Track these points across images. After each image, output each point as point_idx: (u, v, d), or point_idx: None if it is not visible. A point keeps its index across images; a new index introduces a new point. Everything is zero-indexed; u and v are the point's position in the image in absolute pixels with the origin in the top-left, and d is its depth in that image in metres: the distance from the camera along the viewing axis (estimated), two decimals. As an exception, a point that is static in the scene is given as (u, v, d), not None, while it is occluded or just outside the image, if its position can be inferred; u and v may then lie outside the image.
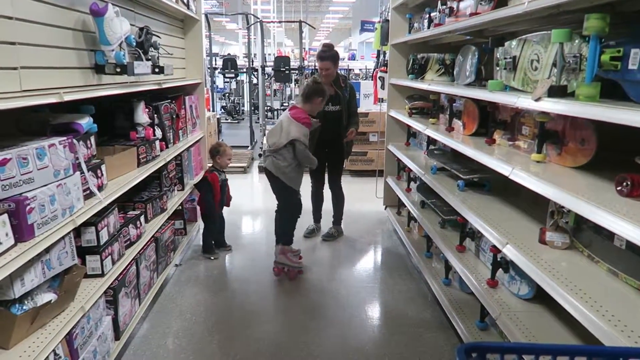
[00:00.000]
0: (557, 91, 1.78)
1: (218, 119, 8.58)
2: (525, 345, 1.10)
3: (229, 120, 12.81)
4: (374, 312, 3.24)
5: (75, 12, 2.16)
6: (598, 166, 1.94)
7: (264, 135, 7.35)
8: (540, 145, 2.16)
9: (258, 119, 8.97)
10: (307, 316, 3.11)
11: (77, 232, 2.20)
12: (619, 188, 1.61)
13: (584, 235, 1.95)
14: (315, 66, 12.97)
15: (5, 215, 1.59)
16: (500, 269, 2.35)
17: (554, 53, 1.94)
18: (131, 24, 2.60)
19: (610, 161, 1.92)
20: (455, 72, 3.29)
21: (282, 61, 8.20)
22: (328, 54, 3.93)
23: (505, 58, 2.34)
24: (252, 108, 9.47)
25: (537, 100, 1.85)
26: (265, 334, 2.88)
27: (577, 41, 1.81)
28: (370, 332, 2.95)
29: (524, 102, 1.98)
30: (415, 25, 4.13)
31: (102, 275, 2.31)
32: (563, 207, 2.00)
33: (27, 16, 1.78)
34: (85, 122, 2.21)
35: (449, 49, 4.00)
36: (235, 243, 4.37)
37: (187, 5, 3.87)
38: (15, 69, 1.71)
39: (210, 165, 4.20)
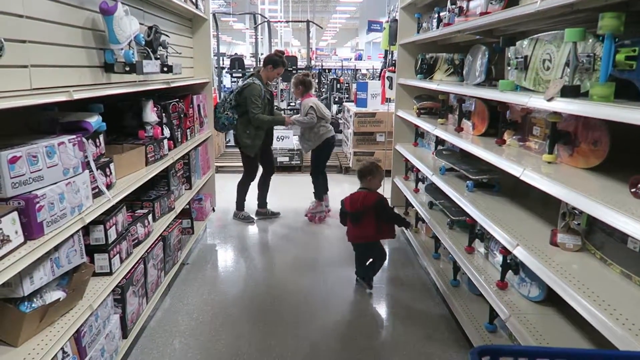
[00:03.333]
0: (570, 91, 1.76)
1: (225, 119, 8.58)
2: (539, 349, 1.08)
3: (236, 120, 12.78)
4: (382, 312, 3.23)
5: (85, 10, 2.16)
6: (611, 167, 1.91)
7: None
8: (552, 146, 2.14)
9: (265, 118, 8.97)
10: (315, 316, 3.10)
11: (86, 230, 2.21)
12: (633, 190, 1.59)
13: (596, 237, 1.93)
14: (322, 66, 12.95)
15: (15, 213, 1.59)
16: (510, 271, 2.33)
17: (566, 52, 1.92)
18: (140, 23, 2.60)
19: (623, 162, 1.89)
20: (464, 72, 3.26)
21: (289, 61, 8.19)
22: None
23: (516, 58, 2.32)
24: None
25: (549, 100, 1.82)
26: (273, 333, 2.87)
27: (590, 40, 1.79)
28: (377, 333, 2.94)
29: (535, 102, 1.96)
30: (424, 25, 4.10)
31: (110, 273, 2.31)
32: (575, 208, 1.97)
33: (37, 14, 1.78)
34: (94, 120, 2.21)
35: (457, 48, 3.98)
36: (242, 242, 4.37)
37: (196, 5, 3.88)
38: (25, 67, 1.71)
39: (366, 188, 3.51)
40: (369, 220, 3.34)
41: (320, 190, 5.01)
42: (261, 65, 4.65)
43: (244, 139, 4.56)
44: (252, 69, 10.74)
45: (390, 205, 3.63)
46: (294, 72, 7.99)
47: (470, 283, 2.89)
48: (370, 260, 3.50)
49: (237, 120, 4.48)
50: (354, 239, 3.49)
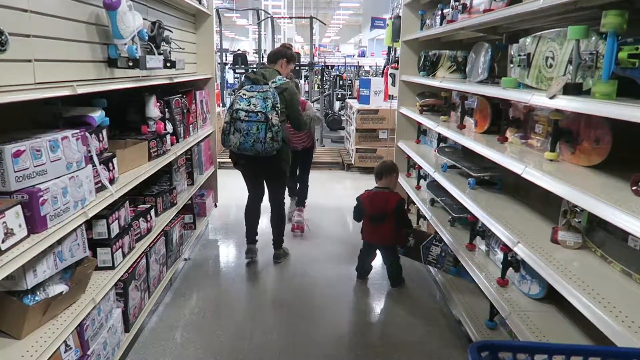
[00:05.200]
0: (573, 89, 1.76)
1: (228, 115, 8.59)
2: (538, 345, 1.09)
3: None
4: (382, 309, 3.24)
5: (89, 5, 2.17)
6: (613, 165, 1.91)
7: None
8: (554, 144, 2.13)
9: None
10: (316, 312, 3.11)
11: (89, 224, 2.22)
12: (634, 187, 1.59)
13: (597, 235, 1.93)
14: (325, 63, 12.94)
15: (19, 207, 1.60)
16: (511, 268, 2.34)
17: (569, 50, 1.92)
18: (144, 18, 2.60)
19: (625, 160, 1.89)
20: (467, 69, 3.26)
21: (292, 57, 8.18)
22: None
23: (519, 55, 2.31)
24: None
25: (552, 97, 1.82)
26: (274, 329, 2.89)
27: (593, 38, 1.78)
28: (378, 329, 2.95)
29: (538, 99, 1.96)
30: (428, 21, 4.10)
31: (112, 267, 2.33)
32: (576, 206, 1.98)
33: (41, 9, 1.79)
34: (98, 115, 2.22)
35: (460, 46, 3.97)
36: (244, 238, 4.38)
37: (199, 0, 3.88)
38: (29, 61, 1.72)
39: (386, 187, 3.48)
40: (390, 224, 3.36)
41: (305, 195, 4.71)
42: (266, 61, 3.72)
43: (287, 153, 3.55)
44: (254, 65, 10.55)
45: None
46: (296, 68, 7.95)
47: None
48: (387, 262, 3.52)
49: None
50: (372, 239, 3.48)
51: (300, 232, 4.45)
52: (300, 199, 4.66)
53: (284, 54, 3.62)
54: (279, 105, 3.27)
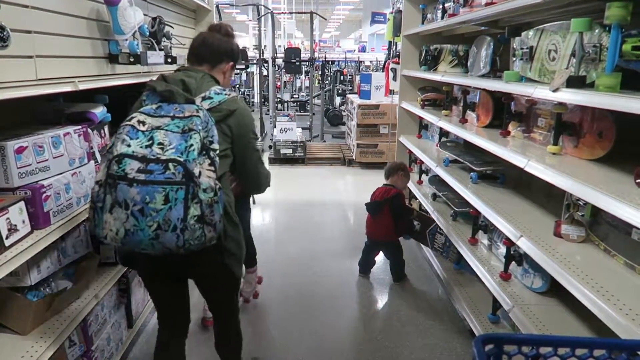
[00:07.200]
0: (576, 81, 1.75)
1: (228, 111, 8.57)
2: (544, 337, 1.09)
3: (239, 112, 12.72)
4: (385, 304, 3.24)
5: (90, 1, 2.16)
6: (616, 158, 1.91)
7: (274, 127, 7.34)
8: (557, 137, 2.13)
9: (268, 110, 8.96)
10: (318, 307, 3.11)
11: (92, 220, 2.22)
12: (638, 180, 1.59)
13: (601, 228, 1.93)
14: (325, 58, 12.89)
15: (22, 203, 1.60)
16: (514, 262, 2.34)
17: (572, 43, 1.91)
18: (144, 14, 2.60)
19: (628, 153, 1.89)
20: (469, 64, 3.25)
21: (292, 53, 8.17)
22: None
23: (522, 48, 2.30)
24: (262, 100, 9.46)
25: (555, 90, 1.81)
26: (276, 325, 2.89)
27: (597, 30, 1.77)
28: (381, 324, 2.95)
29: (541, 92, 1.95)
30: (429, 16, 4.08)
31: (115, 264, 2.33)
32: (579, 199, 1.97)
33: (42, 5, 1.78)
34: (100, 111, 2.23)
35: (462, 40, 3.95)
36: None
37: (199, -4, 3.86)
38: (31, 57, 1.71)
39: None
40: (388, 217, 3.38)
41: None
42: (192, 60, 1.88)
43: (235, 238, 1.80)
44: (254, 61, 9.12)
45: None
46: (297, 63, 7.91)
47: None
48: (389, 258, 3.55)
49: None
50: (370, 234, 3.51)
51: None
52: (248, 260, 3.04)
53: (230, 51, 1.90)
54: (216, 146, 1.60)
